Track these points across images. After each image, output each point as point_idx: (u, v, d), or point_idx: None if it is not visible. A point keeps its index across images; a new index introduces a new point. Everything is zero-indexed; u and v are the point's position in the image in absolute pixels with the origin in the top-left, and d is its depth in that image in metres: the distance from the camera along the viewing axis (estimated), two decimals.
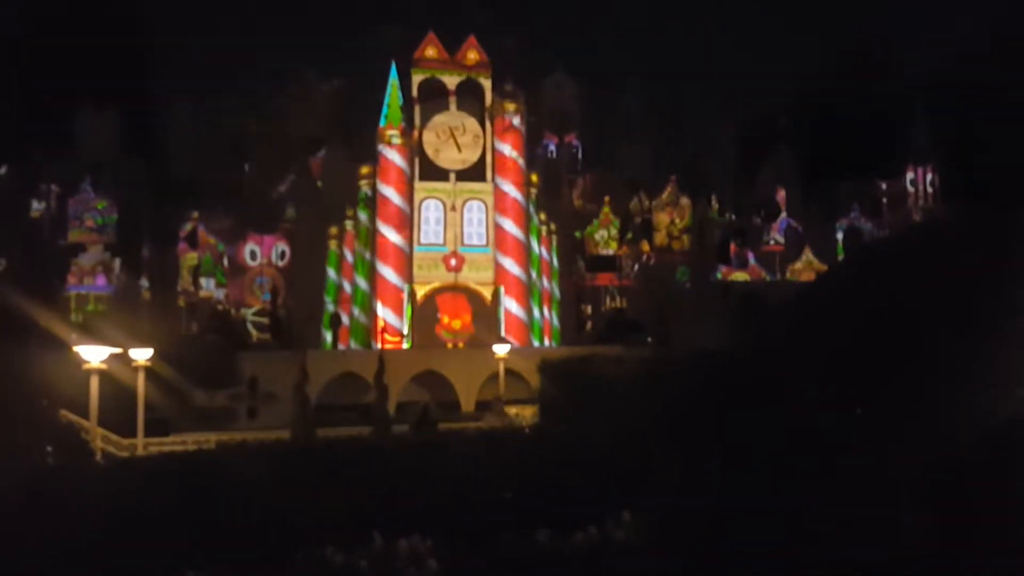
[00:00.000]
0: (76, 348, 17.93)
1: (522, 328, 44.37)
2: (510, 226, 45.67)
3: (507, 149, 46.24)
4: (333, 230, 47.18)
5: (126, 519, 9.22)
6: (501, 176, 46.07)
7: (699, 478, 5.98)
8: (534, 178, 48.01)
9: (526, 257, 46.04)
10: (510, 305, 44.86)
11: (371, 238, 45.45)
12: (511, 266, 45.36)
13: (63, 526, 8.93)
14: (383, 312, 43.76)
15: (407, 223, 45.07)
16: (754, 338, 6.90)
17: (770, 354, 6.12)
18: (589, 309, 56.40)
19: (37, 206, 54.77)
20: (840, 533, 5.33)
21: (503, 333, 42.52)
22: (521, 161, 46.66)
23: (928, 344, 5.43)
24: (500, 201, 45.86)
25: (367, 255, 45.51)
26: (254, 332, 49.91)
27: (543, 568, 8.56)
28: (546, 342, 46.32)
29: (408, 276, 44.69)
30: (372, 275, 45.04)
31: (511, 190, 45.99)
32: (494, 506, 9.94)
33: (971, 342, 5.36)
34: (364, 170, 46.45)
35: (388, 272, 44.44)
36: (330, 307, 46.48)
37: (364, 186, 46.30)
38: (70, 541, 8.75)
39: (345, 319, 45.56)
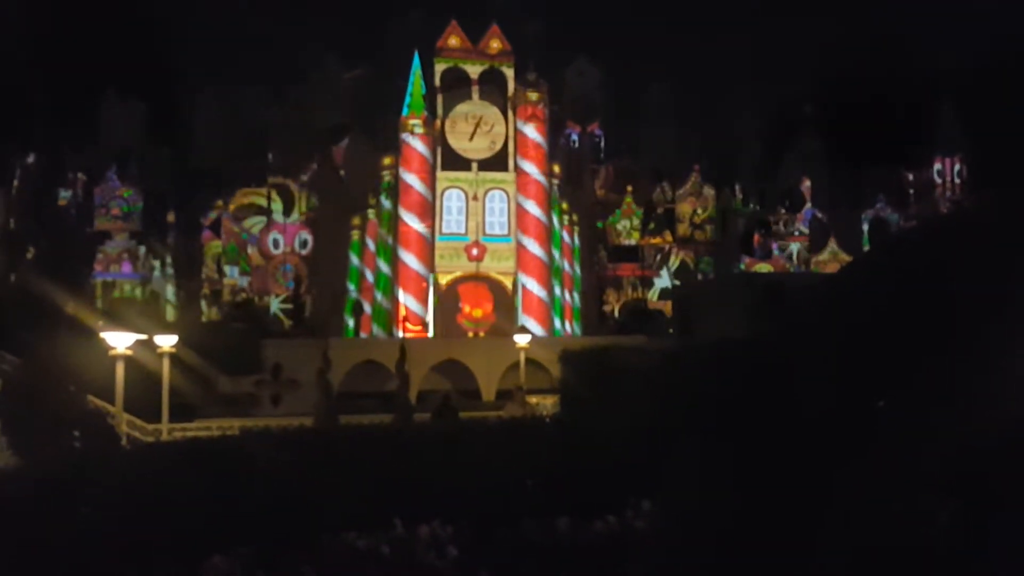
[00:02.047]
0: (103, 334, 18.15)
1: (543, 310, 44.35)
2: (532, 207, 45.55)
3: (530, 131, 46.08)
4: (356, 220, 47.24)
5: (152, 503, 9.34)
6: (523, 158, 45.91)
7: (720, 467, 5.98)
8: (556, 168, 47.86)
9: (548, 239, 45.90)
10: (531, 286, 44.72)
11: (393, 224, 45.55)
12: (533, 247, 45.23)
13: (91, 509, 9.07)
14: (405, 299, 43.86)
15: (429, 211, 45.14)
16: (776, 327, 6.88)
17: (792, 343, 6.10)
18: (611, 299, 56.35)
19: (64, 194, 55.43)
20: (864, 524, 5.32)
21: (519, 322, 42.43)
22: (544, 144, 46.48)
23: (956, 333, 5.39)
24: (523, 184, 45.77)
25: (389, 241, 45.60)
26: (285, 320, 50.28)
27: (563, 555, 8.61)
28: (567, 325, 46.29)
29: (430, 265, 44.78)
30: (394, 261, 45.14)
31: (534, 171, 45.85)
32: (515, 494, 10.00)
33: (1000, 331, 5.32)
34: (387, 160, 46.52)
35: (411, 259, 44.53)
36: (353, 294, 46.68)
37: (387, 175, 46.38)
38: (97, 524, 8.89)
39: (367, 307, 45.75)
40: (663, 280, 56.87)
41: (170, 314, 51.97)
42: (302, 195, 54.47)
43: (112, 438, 15.84)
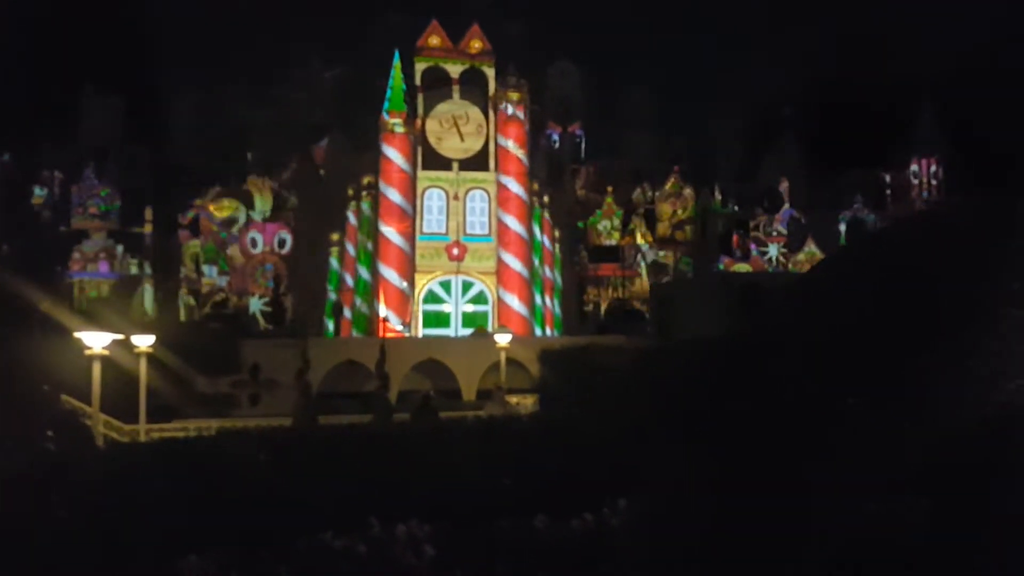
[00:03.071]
0: (78, 334, 17.99)
1: (523, 324, 44.22)
2: (512, 222, 45.52)
3: (510, 144, 46.02)
4: (335, 236, 46.77)
5: (128, 504, 9.28)
6: (503, 172, 45.86)
7: (696, 466, 6.00)
8: (535, 185, 47.56)
9: (528, 253, 45.85)
10: (511, 301, 44.70)
11: (373, 228, 45.33)
12: (512, 262, 45.21)
13: (65, 511, 9.00)
14: (384, 312, 43.63)
15: (409, 219, 44.96)
16: (751, 326, 6.92)
17: (767, 342, 6.13)
18: (591, 299, 56.46)
19: (40, 192, 54.89)
20: (839, 523, 5.35)
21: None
22: (523, 157, 46.36)
23: (928, 332, 5.43)
24: (503, 197, 45.69)
25: (369, 246, 45.38)
26: (262, 321, 49.95)
27: (539, 553, 8.62)
28: (548, 332, 46.33)
29: (410, 273, 44.57)
30: (374, 271, 44.86)
31: (513, 186, 45.81)
32: (492, 492, 10.00)
33: (972, 330, 5.36)
34: (366, 180, 45.89)
35: (390, 273, 44.23)
36: (332, 296, 46.45)
37: (366, 182, 45.95)
38: (72, 526, 8.82)
39: (347, 312, 45.54)
40: (644, 276, 57.10)
41: (147, 314, 51.58)
42: (276, 188, 54.18)
43: (87, 438, 15.70)
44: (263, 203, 54.03)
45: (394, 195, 44.94)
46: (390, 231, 44.51)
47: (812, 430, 5.44)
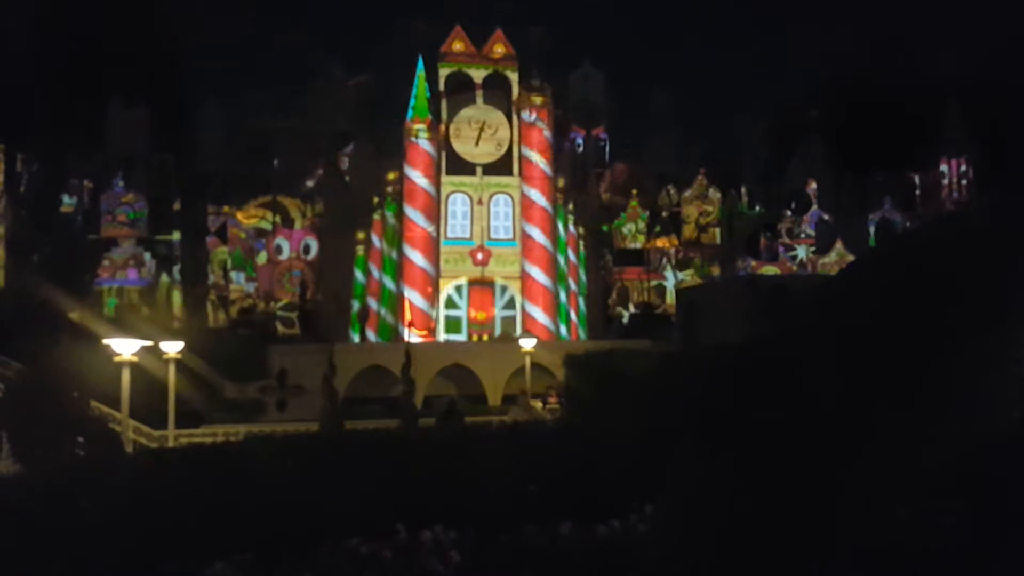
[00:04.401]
0: (107, 341, 18.18)
1: (547, 334, 44.00)
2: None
3: (534, 156, 45.93)
4: (360, 235, 46.96)
5: (155, 509, 9.34)
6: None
7: (721, 471, 5.95)
8: (560, 182, 47.58)
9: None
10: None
11: (398, 237, 45.43)
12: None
13: (92, 516, 9.07)
14: (410, 294, 43.56)
15: (435, 213, 45.06)
16: (778, 331, 6.85)
17: (793, 345, 6.06)
18: (616, 303, 56.29)
19: (69, 201, 55.61)
20: (868, 528, 5.29)
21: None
22: (547, 166, 46.23)
23: (958, 336, 5.36)
24: (526, 208, 45.59)
25: (394, 255, 45.48)
26: (280, 327, 50.20)
27: (565, 560, 8.58)
28: (576, 334, 46.22)
29: (437, 266, 44.68)
30: (400, 262, 44.94)
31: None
32: (518, 498, 9.97)
33: (1001, 334, 5.29)
34: (391, 176, 46.15)
35: (417, 257, 44.27)
36: (356, 308, 46.53)
37: (391, 188, 46.14)
38: (99, 531, 8.89)
39: (375, 309, 45.59)
40: (670, 280, 56.88)
41: (176, 321, 52.09)
42: (307, 206, 54.63)
43: (116, 444, 15.86)
44: (294, 216, 54.61)
45: (421, 180, 44.98)
46: (417, 215, 44.54)
47: (840, 436, 5.37)
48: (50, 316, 29.65)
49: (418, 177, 45.05)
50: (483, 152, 46.14)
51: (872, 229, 59.84)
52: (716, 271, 57.67)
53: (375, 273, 45.88)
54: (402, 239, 44.96)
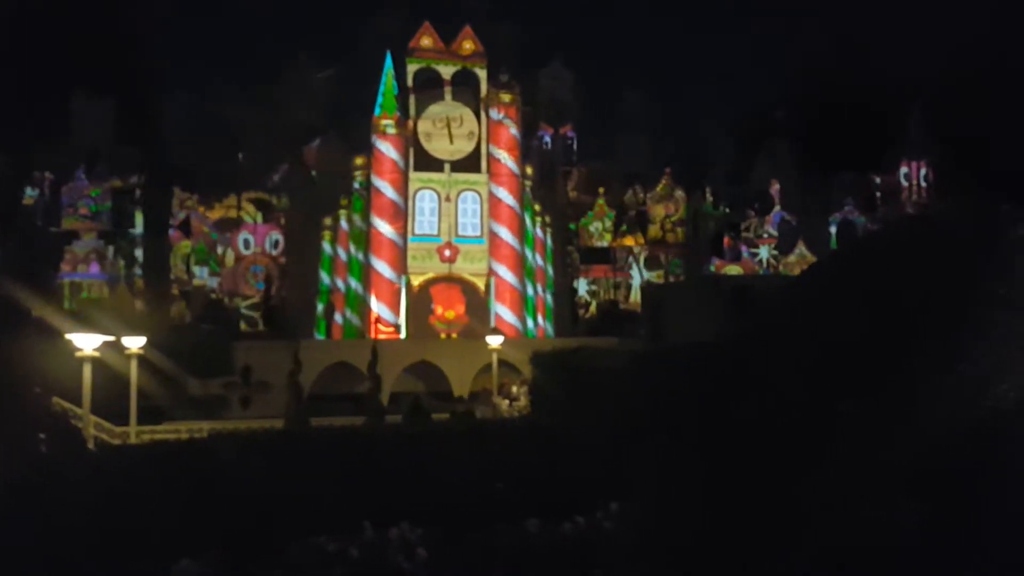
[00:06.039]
0: (69, 336, 17.93)
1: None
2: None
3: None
4: (327, 221, 46.77)
5: (119, 507, 9.26)
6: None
7: (685, 469, 6.03)
8: (529, 170, 47.81)
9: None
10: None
11: (364, 235, 45.25)
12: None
13: (56, 514, 8.97)
14: (377, 307, 43.59)
15: (401, 216, 44.95)
16: (741, 330, 6.96)
17: (757, 346, 6.16)
18: (583, 301, 56.51)
19: (30, 193, 54.62)
20: (831, 525, 5.38)
21: (492, 321, 42.47)
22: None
23: (919, 336, 5.47)
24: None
25: (360, 256, 45.29)
26: (244, 324, 49.70)
27: (532, 557, 8.65)
28: (540, 321, 46.37)
29: (402, 268, 44.58)
30: (365, 274, 44.79)
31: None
32: (485, 496, 10.02)
33: (961, 335, 5.41)
34: (358, 160, 46.20)
35: (382, 266, 44.25)
36: (320, 309, 46.28)
37: (358, 176, 46.00)
38: (64, 529, 8.80)
39: (338, 317, 45.40)
40: (636, 278, 57.22)
41: (138, 315, 51.33)
42: (275, 200, 54.13)
43: (78, 440, 15.66)
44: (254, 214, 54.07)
45: (387, 190, 44.87)
46: (382, 224, 44.44)
47: (804, 436, 5.46)
48: (11, 310, 29.14)
49: (385, 187, 44.92)
50: (451, 149, 46.08)
51: (833, 229, 60.63)
52: (681, 270, 58.07)
53: (342, 264, 45.70)
54: (368, 241, 44.68)
